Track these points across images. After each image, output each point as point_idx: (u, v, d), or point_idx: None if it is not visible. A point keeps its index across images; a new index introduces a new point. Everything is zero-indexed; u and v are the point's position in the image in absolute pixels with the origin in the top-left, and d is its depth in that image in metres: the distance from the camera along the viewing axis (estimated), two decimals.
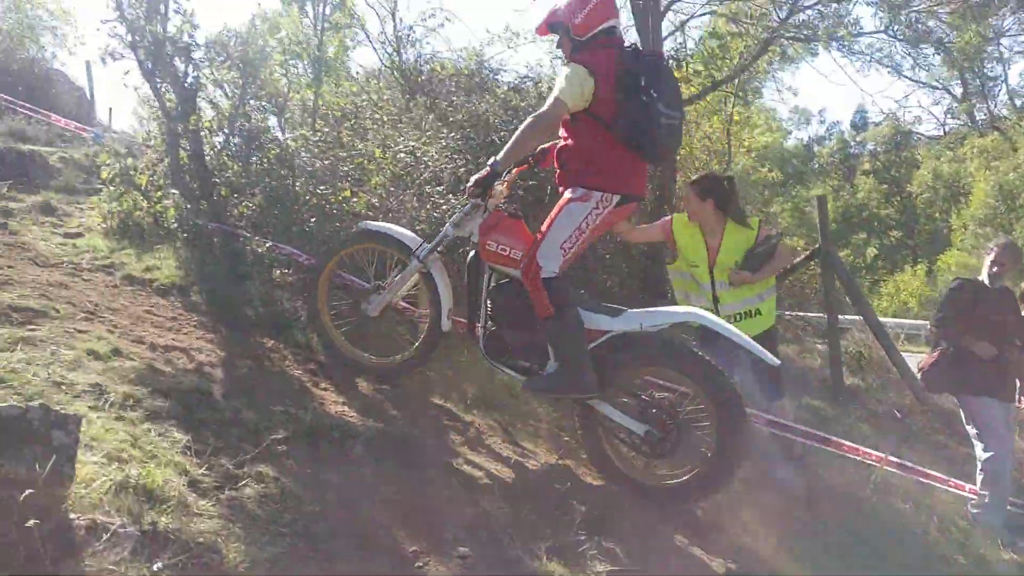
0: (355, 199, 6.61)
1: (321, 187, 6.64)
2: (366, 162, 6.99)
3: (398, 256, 5.12)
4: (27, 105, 11.21)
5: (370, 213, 6.53)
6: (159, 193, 6.81)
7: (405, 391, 5.19)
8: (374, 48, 10.71)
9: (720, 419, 4.31)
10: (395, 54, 10.19)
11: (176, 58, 6.76)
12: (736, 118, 12.73)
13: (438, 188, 6.77)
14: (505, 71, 10.88)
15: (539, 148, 4.99)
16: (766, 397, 5.39)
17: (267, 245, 6.16)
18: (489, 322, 4.76)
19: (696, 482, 4.45)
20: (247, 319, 5.50)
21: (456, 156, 7.26)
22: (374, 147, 7.43)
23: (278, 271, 6.10)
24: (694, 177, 6.01)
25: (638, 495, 4.52)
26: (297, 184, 6.72)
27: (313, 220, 6.35)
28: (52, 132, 10.88)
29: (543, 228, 4.53)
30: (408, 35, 10.17)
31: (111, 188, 7.02)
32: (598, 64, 4.38)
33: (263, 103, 7.10)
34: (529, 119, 4.42)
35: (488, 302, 4.76)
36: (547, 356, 4.58)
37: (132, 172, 6.95)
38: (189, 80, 6.80)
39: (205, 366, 4.59)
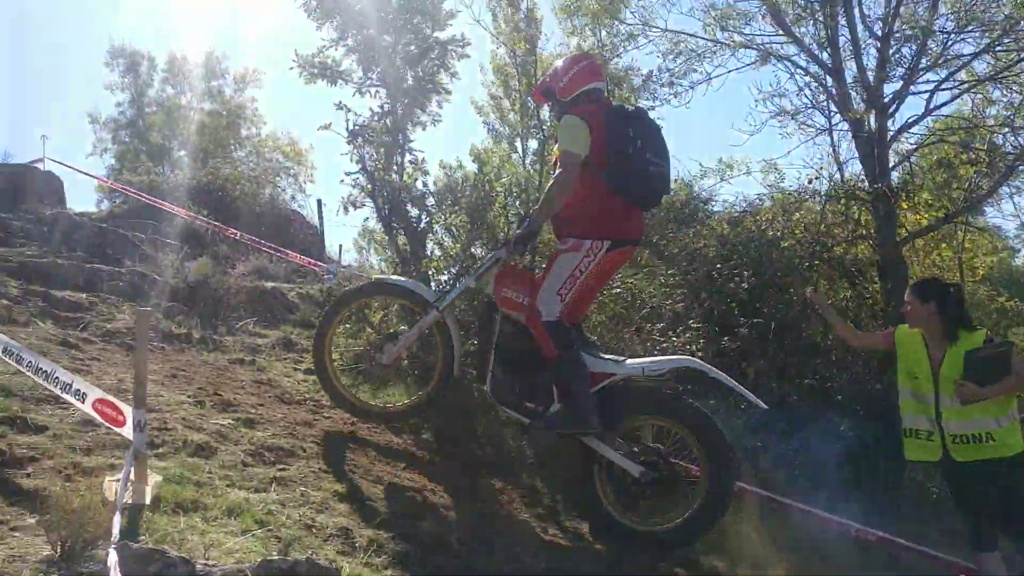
0: None
1: None
2: None
3: (411, 306, 5.64)
4: (269, 244, 12.24)
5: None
6: (391, 331, 7.14)
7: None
8: None
9: (710, 470, 4.67)
10: None
11: (410, 205, 7.19)
12: (968, 246, 12.04)
13: (658, 325, 6.72)
14: (715, 201, 10.87)
15: None
16: (974, 546, 4.87)
17: None
18: (497, 368, 5.08)
19: (682, 527, 4.76)
20: (476, 458, 5.58)
21: (674, 292, 7.21)
22: None
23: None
24: (915, 280, 5.71)
25: (622, 539, 4.83)
26: None
27: None
28: (290, 268, 11.80)
29: (541, 277, 5.03)
30: None
31: (347, 325, 7.44)
32: (589, 115, 4.84)
33: (486, 243, 7.35)
34: (554, 179, 4.86)
35: (497, 349, 5.10)
36: (551, 399, 4.91)
37: (366, 310, 7.35)
38: (421, 225, 7.20)
39: (440, 508, 4.67)
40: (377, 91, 7.95)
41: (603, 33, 11.65)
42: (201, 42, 51.33)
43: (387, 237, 7.32)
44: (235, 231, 12.37)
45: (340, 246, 16.61)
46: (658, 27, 10.84)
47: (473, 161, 23.55)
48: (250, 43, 58.96)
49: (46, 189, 13.38)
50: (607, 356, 5.00)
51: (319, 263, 12.28)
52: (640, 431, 4.95)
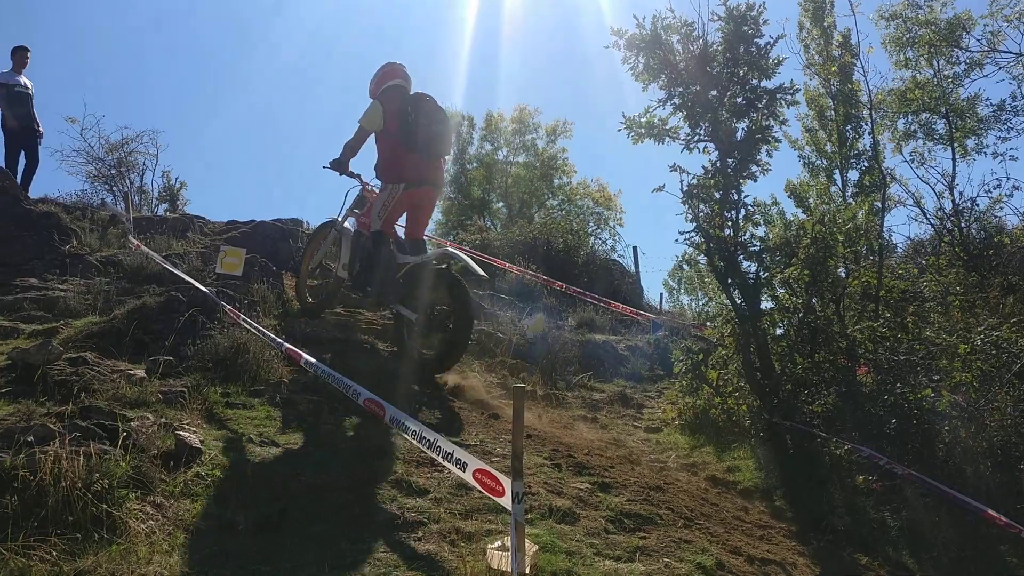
0: (936, 397, 6.18)
1: (898, 384, 6.33)
2: (944, 357, 6.55)
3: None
4: (594, 295, 12.60)
5: (954, 413, 6.05)
6: (730, 388, 7.06)
7: None
8: (931, 223, 10.34)
9: (455, 310, 7.23)
10: (955, 229, 9.60)
11: (744, 259, 7.10)
12: None
13: None
14: None
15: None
16: None
17: (845, 448, 5.98)
18: (357, 266, 7.98)
19: (441, 350, 7.35)
20: (834, 529, 5.33)
21: None
22: (945, 335, 6.96)
23: (860, 476, 5.86)
24: None
25: (413, 365, 7.32)
26: (869, 380, 6.51)
27: (894, 421, 6.04)
28: (615, 319, 12.07)
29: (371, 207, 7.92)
30: (970, 208, 9.57)
31: (683, 382, 7.46)
32: (387, 100, 7.67)
33: (825, 294, 7.07)
34: (347, 141, 7.84)
35: (360, 253, 8.00)
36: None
37: (703, 368, 7.33)
38: (757, 280, 7.07)
39: None
40: (705, 146, 7.95)
41: (940, 63, 10.87)
42: (515, 99, 54.35)
43: (724, 294, 7.25)
44: (561, 283, 12.86)
45: (661, 295, 16.66)
46: (1009, 52, 9.92)
47: (789, 196, 22.90)
48: (559, 96, 61.54)
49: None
50: (408, 255, 7.64)
51: (643, 313, 12.43)
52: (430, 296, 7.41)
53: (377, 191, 7.90)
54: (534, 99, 63.49)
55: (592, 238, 17.39)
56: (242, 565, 3.62)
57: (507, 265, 13.52)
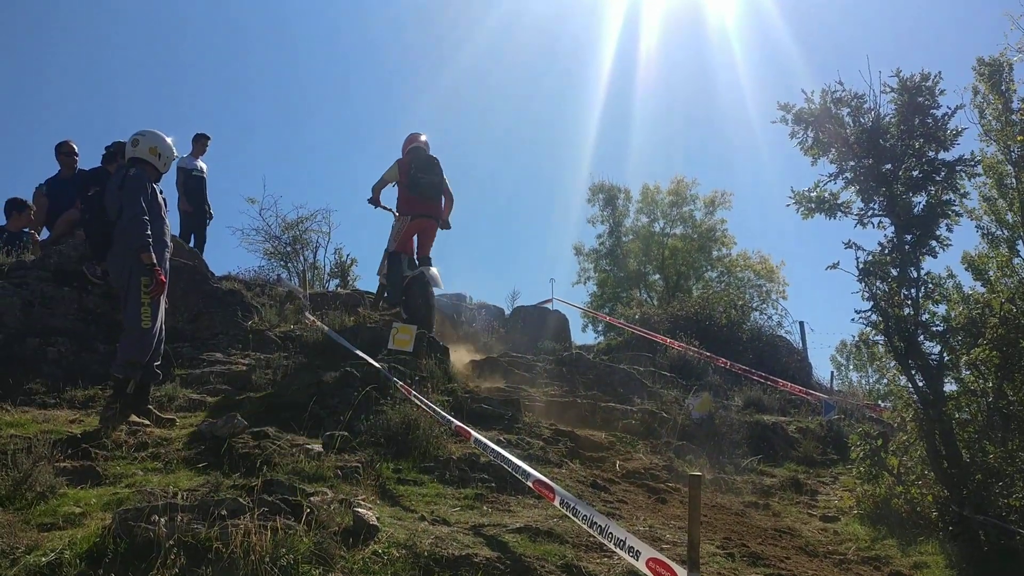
0: None
1: None
2: None
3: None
4: (760, 373, 12.23)
5: None
6: (913, 477, 6.65)
7: None
8: None
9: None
10: None
11: (927, 341, 6.74)
12: None
13: None
14: None
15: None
16: None
17: None
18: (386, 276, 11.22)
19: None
20: None
21: None
22: None
23: None
24: None
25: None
26: None
27: None
28: (783, 399, 11.65)
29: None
30: None
31: (861, 469, 7.09)
32: (402, 163, 10.66)
33: (1016, 377, 6.60)
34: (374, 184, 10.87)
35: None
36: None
37: (882, 454, 6.94)
38: (941, 362, 6.69)
39: None
40: (880, 221, 7.66)
41: None
42: (672, 170, 54.27)
43: (905, 377, 6.89)
44: (725, 360, 12.57)
45: (832, 373, 15.95)
46: None
47: (966, 269, 21.67)
48: (715, 167, 61.07)
49: (555, 326, 14.85)
50: (409, 270, 10.57)
51: (814, 392, 11.95)
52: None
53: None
54: (690, 170, 63.20)
55: (756, 312, 16.92)
56: None
57: (668, 341, 13.35)
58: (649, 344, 13.81)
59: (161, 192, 7.35)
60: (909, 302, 7.01)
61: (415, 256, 10.86)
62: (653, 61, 48.27)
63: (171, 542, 3.86)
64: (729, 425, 8.83)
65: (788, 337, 16.06)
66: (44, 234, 11.27)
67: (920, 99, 7.70)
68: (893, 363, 7.25)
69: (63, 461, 5.61)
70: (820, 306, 57.02)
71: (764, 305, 18.56)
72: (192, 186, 13.33)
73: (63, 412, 7.17)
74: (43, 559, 3.99)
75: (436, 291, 10.66)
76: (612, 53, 48.87)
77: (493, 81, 68.48)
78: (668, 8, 55.05)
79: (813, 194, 8.27)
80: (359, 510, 4.73)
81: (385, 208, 10.96)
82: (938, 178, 7.71)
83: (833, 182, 8.16)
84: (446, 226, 10.92)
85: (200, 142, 13.66)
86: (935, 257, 7.37)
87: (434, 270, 10.47)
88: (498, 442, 6.29)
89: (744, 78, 49.07)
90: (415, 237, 10.86)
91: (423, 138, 11.23)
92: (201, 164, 13.66)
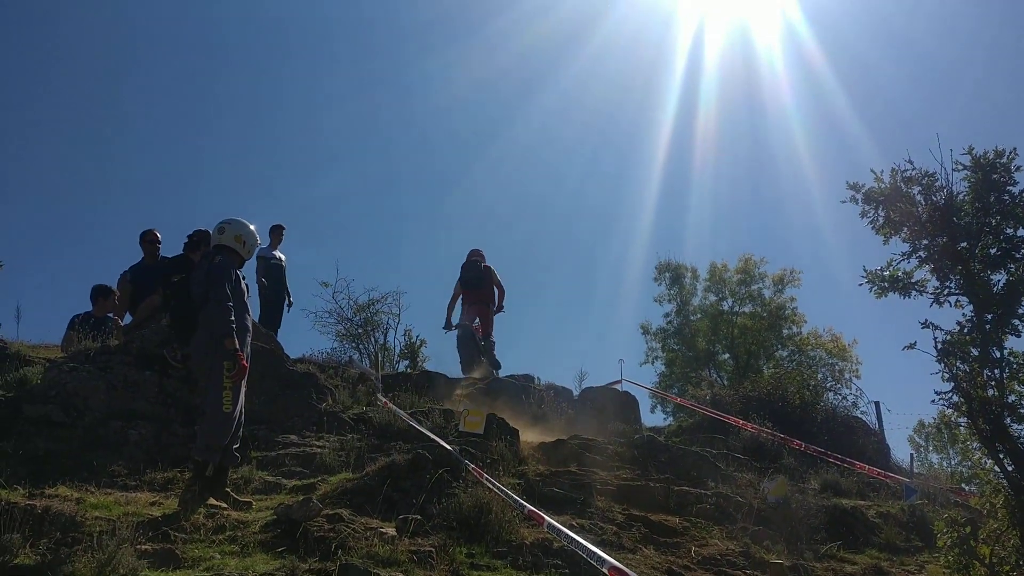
0: None
1: None
2: None
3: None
4: (836, 455, 11.89)
5: None
6: (1007, 568, 6.37)
7: None
8: None
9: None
10: None
11: (1015, 424, 6.54)
12: None
13: None
14: None
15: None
16: None
17: None
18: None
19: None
20: None
21: None
22: None
23: None
24: None
25: None
26: None
27: None
28: (861, 482, 11.29)
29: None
30: None
31: (949, 558, 6.81)
32: (463, 269, 15.60)
33: None
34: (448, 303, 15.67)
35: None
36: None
37: (971, 542, 6.68)
38: None
39: None
40: (958, 300, 7.51)
41: None
42: (731, 252, 53.94)
43: (993, 462, 6.67)
44: (800, 442, 12.28)
45: (912, 455, 15.40)
46: None
47: None
48: (785, 245, 60.62)
49: (624, 408, 14.74)
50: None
51: (893, 475, 11.58)
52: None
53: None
54: (752, 248, 62.83)
55: (830, 393, 16.50)
56: None
57: (741, 423, 13.12)
58: (721, 425, 13.57)
59: (244, 278, 7.61)
60: (993, 383, 6.82)
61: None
62: (711, 136, 48.43)
63: None
64: (806, 509, 8.57)
65: (864, 418, 15.61)
66: (127, 319, 11.70)
67: (995, 176, 7.61)
68: (977, 445, 7.04)
69: (144, 544, 5.75)
70: (896, 386, 55.29)
71: (838, 385, 18.02)
72: (273, 275, 13.92)
73: (144, 494, 7.34)
74: None
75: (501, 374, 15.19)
76: (669, 131, 49.17)
77: (543, 161, 69.50)
78: (724, 83, 55.47)
79: (886, 273, 8.17)
80: None
81: (452, 327, 15.34)
82: (1018, 255, 7.56)
83: (906, 261, 8.06)
84: (499, 310, 15.67)
85: (277, 233, 14.45)
86: (1018, 336, 7.18)
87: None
88: (570, 527, 6.24)
89: (804, 157, 48.86)
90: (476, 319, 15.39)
91: (479, 251, 15.73)
92: (279, 254, 14.32)
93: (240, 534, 6.29)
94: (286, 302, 14.45)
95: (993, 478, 6.77)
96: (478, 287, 15.27)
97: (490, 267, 15.50)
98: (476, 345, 15.23)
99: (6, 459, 7.37)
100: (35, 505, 6.05)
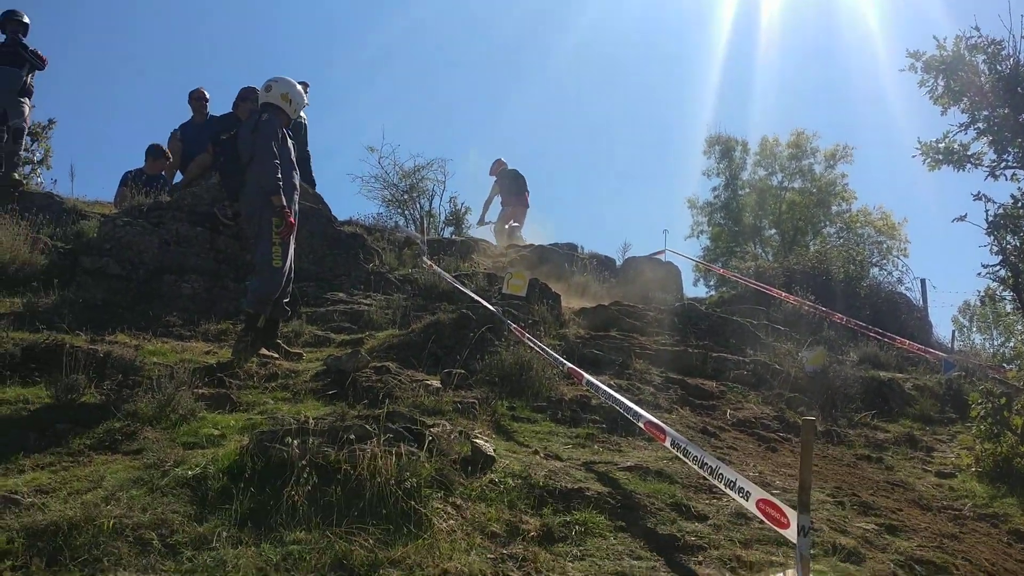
0: None
1: None
2: None
3: None
4: (876, 329, 11.93)
5: None
6: None
7: None
8: None
9: None
10: None
11: None
12: None
13: None
14: None
15: None
16: None
17: None
18: None
19: None
20: None
21: None
22: None
23: None
24: None
25: None
26: None
27: None
28: (900, 356, 11.34)
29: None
30: None
31: (981, 427, 6.92)
32: (498, 176, 17.20)
33: None
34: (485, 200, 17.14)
35: None
36: None
37: (1005, 413, 6.76)
38: None
39: None
40: (1014, 173, 7.37)
41: None
42: (792, 123, 52.58)
43: None
44: (841, 316, 12.31)
45: (953, 332, 15.37)
46: None
47: None
48: (840, 120, 58.92)
49: (667, 278, 14.80)
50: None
51: (933, 351, 11.60)
52: None
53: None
54: (812, 122, 61.11)
55: (876, 269, 16.41)
56: (527, 573, 3.82)
57: (783, 295, 13.15)
58: (763, 298, 13.60)
59: (291, 137, 7.66)
60: None
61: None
62: (776, 6, 46.59)
63: (303, 462, 4.15)
64: (843, 379, 8.67)
65: (908, 294, 15.53)
66: (177, 177, 11.88)
67: None
68: (1021, 322, 7.03)
69: (201, 388, 6.03)
70: (944, 265, 54.58)
71: (884, 261, 17.88)
72: (300, 134, 13.84)
73: (198, 344, 7.65)
74: (189, 472, 4.34)
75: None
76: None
77: (614, 35, 67.41)
78: None
79: (941, 145, 8.01)
80: (477, 441, 4.95)
81: (485, 223, 17.10)
82: None
83: (963, 132, 7.87)
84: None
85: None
86: None
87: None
88: (609, 386, 6.41)
89: (874, 24, 46.77)
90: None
91: (503, 161, 17.15)
92: (303, 113, 14.15)
93: (291, 382, 6.56)
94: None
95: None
96: (519, 193, 16.95)
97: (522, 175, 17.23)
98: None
99: (68, 306, 7.69)
100: (97, 349, 6.35)
